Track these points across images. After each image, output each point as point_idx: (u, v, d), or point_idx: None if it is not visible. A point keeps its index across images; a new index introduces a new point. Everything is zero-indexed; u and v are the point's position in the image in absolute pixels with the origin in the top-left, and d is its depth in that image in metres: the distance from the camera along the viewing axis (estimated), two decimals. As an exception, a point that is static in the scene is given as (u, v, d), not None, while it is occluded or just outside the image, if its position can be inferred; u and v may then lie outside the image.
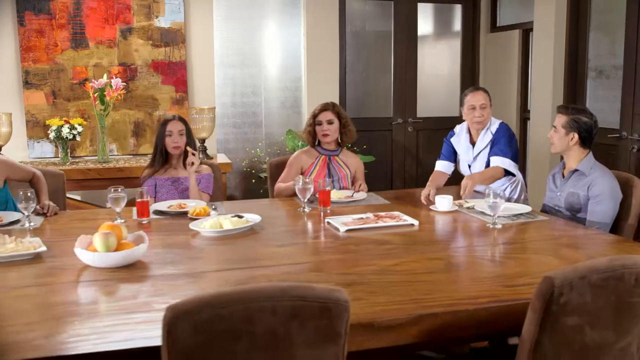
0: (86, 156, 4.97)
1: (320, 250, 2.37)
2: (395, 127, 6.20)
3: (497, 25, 6.12)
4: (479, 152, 3.35)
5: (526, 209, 2.83)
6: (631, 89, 4.46)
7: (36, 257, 2.18)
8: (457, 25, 6.29)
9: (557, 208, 2.90)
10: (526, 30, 5.68)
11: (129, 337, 1.53)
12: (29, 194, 2.64)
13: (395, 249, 2.31)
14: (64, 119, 4.69)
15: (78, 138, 4.67)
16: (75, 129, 4.62)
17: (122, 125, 5.06)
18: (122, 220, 2.71)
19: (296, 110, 5.65)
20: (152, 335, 1.50)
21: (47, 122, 4.70)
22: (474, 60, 6.28)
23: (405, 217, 2.72)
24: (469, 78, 6.32)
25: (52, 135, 4.60)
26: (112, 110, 4.79)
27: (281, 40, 5.53)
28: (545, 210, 2.96)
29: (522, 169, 5.84)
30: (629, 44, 4.45)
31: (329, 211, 2.91)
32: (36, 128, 4.90)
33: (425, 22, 6.20)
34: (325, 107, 3.42)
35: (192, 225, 2.55)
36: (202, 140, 4.90)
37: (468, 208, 2.93)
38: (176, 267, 2.10)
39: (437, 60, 6.30)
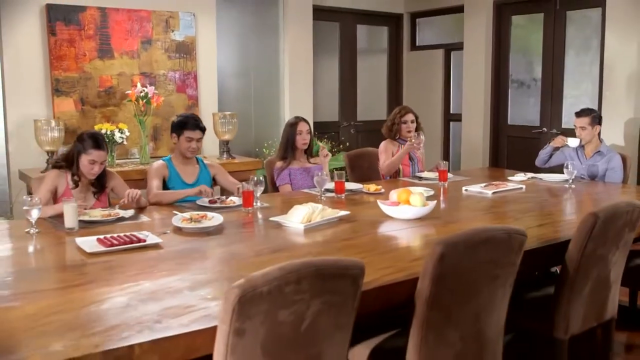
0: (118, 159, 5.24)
1: (510, 202, 3.39)
2: (342, 130, 7.32)
3: (417, 45, 7.59)
4: None
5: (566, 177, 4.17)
6: (549, 96, 6.20)
7: (340, 220, 2.92)
8: (386, 44, 7.63)
9: (581, 176, 4.34)
10: (447, 50, 7.22)
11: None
12: (260, 179, 3.30)
13: (553, 198, 3.54)
14: (117, 124, 4.98)
15: (125, 142, 5.00)
16: (124, 133, 4.95)
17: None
18: (325, 197, 3.47)
19: (276, 115, 6.47)
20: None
21: (96, 127, 4.94)
22: (399, 73, 7.67)
23: (509, 184, 3.92)
24: (394, 87, 7.70)
25: (102, 140, 4.87)
26: (133, 116, 5.14)
27: (265, 56, 6.33)
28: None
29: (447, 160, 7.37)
30: (546, 62, 6.18)
31: (446, 185, 3.98)
32: (65, 134, 5.07)
33: (362, 40, 7.42)
34: (409, 110, 4.47)
35: (392, 192, 3.41)
36: (226, 142, 5.52)
37: (529, 178, 4.23)
38: (443, 219, 3.02)
39: (371, 73, 7.55)
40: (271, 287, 1.53)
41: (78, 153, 3.09)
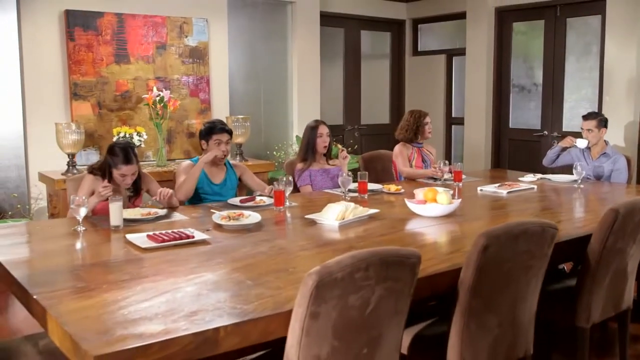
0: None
1: (525, 201, 3.57)
2: (346, 133, 7.48)
3: (419, 50, 7.78)
4: None
5: (574, 177, 4.35)
6: (549, 100, 6.40)
7: (370, 217, 3.08)
8: (388, 49, 7.81)
9: (587, 177, 4.53)
10: (449, 55, 7.42)
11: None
12: (290, 179, 3.44)
13: (564, 197, 3.71)
14: (135, 127, 5.10)
15: (143, 145, 5.12)
16: (142, 136, 5.07)
17: (157, 134, 5.55)
18: (349, 197, 3.63)
19: (285, 118, 6.63)
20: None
21: (114, 130, 5.06)
22: (401, 78, 7.86)
23: (521, 184, 4.09)
24: (397, 92, 7.88)
25: (121, 142, 4.99)
26: (148, 119, 5.27)
27: (274, 61, 6.49)
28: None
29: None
30: (547, 67, 6.38)
31: (461, 185, 4.14)
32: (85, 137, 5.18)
33: (366, 46, 7.59)
34: (427, 113, 4.64)
35: (417, 192, 3.56)
36: (239, 145, 5.66)
37: (539, 179, 4.41)
38: (465, 217, 3.18)
39: (374, 77, 7.73)
40: (344, 274, 1.68)
41: (109, 166, 3.22)
